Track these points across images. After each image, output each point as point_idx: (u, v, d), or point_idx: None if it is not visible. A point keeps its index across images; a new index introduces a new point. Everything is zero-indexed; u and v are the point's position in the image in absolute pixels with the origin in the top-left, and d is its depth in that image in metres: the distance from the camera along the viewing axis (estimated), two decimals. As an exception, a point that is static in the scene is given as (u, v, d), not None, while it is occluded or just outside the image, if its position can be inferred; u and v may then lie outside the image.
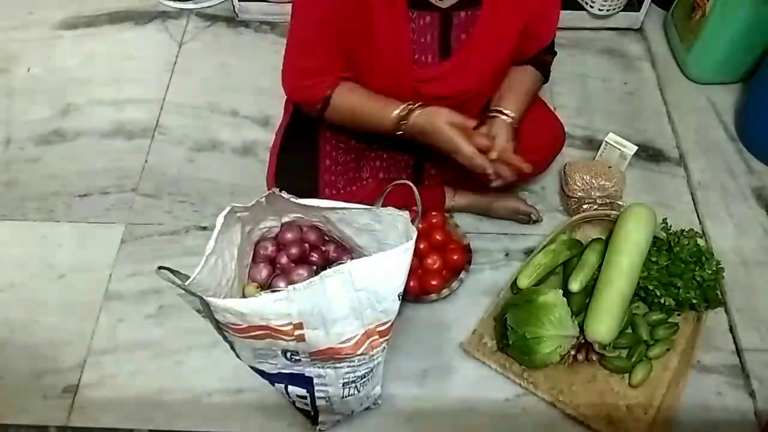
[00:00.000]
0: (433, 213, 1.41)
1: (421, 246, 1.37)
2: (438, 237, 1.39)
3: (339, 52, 1.12)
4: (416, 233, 0.95)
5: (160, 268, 0.89)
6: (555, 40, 1.27)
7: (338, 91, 1.15)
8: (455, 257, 1.38)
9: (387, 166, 1.37)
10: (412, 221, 1.01)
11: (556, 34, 1.25)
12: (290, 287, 0.87)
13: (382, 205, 1.04)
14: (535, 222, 1.49)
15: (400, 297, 0.94)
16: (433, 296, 1.35)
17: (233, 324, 0.90)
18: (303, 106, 1.22)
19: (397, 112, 1.12)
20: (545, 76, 1.30)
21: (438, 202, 1.46)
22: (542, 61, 1.27)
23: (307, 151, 1.29)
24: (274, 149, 1.34)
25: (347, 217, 1.10)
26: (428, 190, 1.41)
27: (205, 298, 0.88)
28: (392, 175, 1.37)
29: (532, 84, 1.27)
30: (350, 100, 1.16)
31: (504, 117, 1.20)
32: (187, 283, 0.91)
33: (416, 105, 1.12)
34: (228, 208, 1.00)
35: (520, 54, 1.22)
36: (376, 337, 0.97)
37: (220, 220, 0.99)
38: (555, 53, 1.31)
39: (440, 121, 1.10)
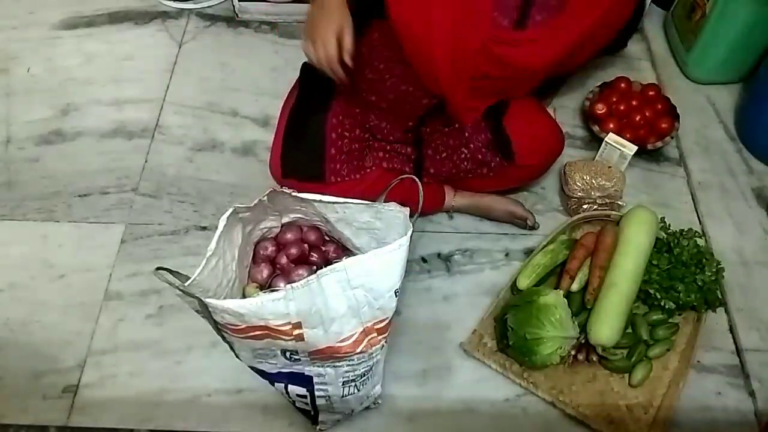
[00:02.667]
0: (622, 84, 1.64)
1: (622, 107, 1.56)
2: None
3: None
4: (411, 229, 0.95)
5: (158, 269, 0.89)
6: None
7: None
8: (663, 125, 1.58)
9: (390, 157, 1.38)
10: (411, 215, 1.01)
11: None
12: (288, 286, 0.87)
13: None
14: (531, 228, 1.48)
15: (397, 294, 0.94)
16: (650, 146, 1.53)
17: (232, 325, 0.90)
18: None
19: None
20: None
21: (437, 200, 1.46)
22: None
23: (314, 139, 1.29)
24: (279, 131, 1.31)
25: (348, 215, 1.09)
26: (428, 187, 1.41)
27: (203, 299, 0.87)
28: (395, 166, 1.37)
29: None
30: None
31: None
32: (187, 284, 0.91)
33: None
34: (231, 210, 1.00)
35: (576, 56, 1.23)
36: (375, 334, 0.97)
37: (222, 221, 0.99)
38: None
39: None
